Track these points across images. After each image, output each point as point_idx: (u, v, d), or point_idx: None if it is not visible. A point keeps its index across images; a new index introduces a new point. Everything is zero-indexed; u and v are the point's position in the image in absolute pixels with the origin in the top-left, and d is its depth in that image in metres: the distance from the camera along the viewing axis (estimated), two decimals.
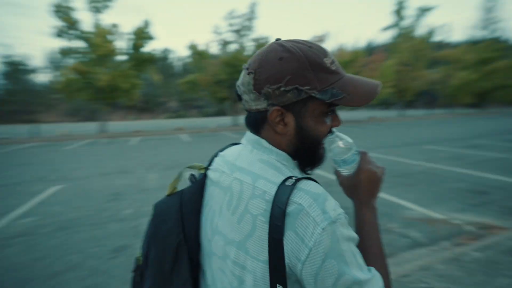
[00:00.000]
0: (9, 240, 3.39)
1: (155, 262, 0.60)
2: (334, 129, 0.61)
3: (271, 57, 0.53)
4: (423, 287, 2.31)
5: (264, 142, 0.58)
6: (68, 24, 17.04)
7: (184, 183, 0.69)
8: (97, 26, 17.81)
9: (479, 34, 44.15)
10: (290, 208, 0.47)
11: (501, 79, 32.79)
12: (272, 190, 0.50)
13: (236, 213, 0.53)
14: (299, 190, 0.48)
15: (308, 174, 0.62)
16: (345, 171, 0.62)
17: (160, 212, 0.64)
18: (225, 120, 30.68)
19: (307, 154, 0.59)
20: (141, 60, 19.06)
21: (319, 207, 0.47)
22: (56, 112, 45.89)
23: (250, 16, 21.66)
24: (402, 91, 29.83)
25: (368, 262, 0.52)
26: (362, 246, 0.53)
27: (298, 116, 0.55)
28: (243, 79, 0.57)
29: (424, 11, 30.03)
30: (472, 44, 38.30)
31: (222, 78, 20.67)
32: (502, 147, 9.30)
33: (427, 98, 39.91)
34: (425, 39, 29.99)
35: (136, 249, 3.12)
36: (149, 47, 19.60)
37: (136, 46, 18.73)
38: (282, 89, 0.52)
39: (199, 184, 0.65)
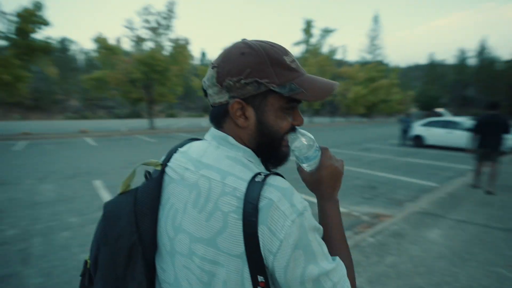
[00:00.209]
0: None
1: (105, 266, 0.57)
2: (297, 128, 0.63)
3: (234, 52, 0.56)
4: None
5: (231, 139, 0.59)
6: None
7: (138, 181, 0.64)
8: None
9: (367, 56, 53.64)
10: (262, 204, 0.48)
11: (383, 95, 40.45)
12: (243, 186, 0.50)
13: (204, 211, 0.52)
14: (269, 185, 0.50)
15: (273, 170, 0.62)
16: (308, 167, 0.64)
17: (111, 212, 0.60)
18: (141, 122, 28.35)
19: (268, 150, 0.60)
20: (30, 49, 15.76)
21: (288, 201, 0.49)
22: None
23: (168, 14, 20.69)
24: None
25: (332, 252, 0.55)
26: (326, 237, 0.57)
27: (258, 110, 0.57)
28: (208, 73, 0.59)
29: (327, 32, 34.58)
30: (363, 64, 46.08)
31: (137, 77, 19.04)
32: (386, 149, 11.40)
33: (330, 108, 45.60)
34: (329, 57, 34.46)
35: (24, 278, 2.56)
36: (41, 34, 16.47)
37: (23, 31, 15.40)
38: (242, 81, 0.54)
39: (156, 182, 0.61)
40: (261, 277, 0.49)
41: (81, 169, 7.16)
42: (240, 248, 0.49)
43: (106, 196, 4.93)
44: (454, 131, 10.74)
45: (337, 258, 0.54)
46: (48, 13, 18.33)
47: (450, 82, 54.86)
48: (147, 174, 0.64)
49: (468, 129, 5.71)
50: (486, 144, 5.18)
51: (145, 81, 19.74)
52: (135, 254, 0.56)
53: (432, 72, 67.85)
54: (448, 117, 13.93)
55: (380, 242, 3.20)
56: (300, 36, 43.87)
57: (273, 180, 0.51)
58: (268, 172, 0.54)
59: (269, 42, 0.59)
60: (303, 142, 0.61)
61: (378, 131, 22.52)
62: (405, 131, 12.61)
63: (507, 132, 5.09)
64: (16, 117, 42.01)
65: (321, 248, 0.51)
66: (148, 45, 20.96)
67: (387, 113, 47.60)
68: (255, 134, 0.58)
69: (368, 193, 5.26)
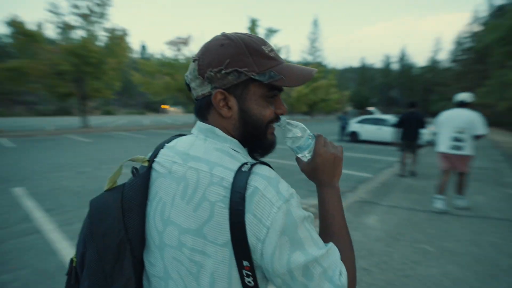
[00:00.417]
0: None
1: (93, 263, 0.56)
2: (284, 118, 0.63)
3: (213, 45, 0.58)
4: None
5: (217, 130, 0.59)
6: None
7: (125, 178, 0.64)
8: None
9: (308, 58, 56.85)
10: (248, 192, 0.49)
11: (323, 94, 43.37)
12: (230, 176, 0.51)
13: (192, 202, 0.52)
14: (255, 174, 0.51)
15: (260, 160, 0.62)
16: (304, 157, 0.64)
17: (98, 209, 0.59)
18: (71, 121, 25.34)
19: (253, 138, 0.61)
20: None
21: (274, 189, 0.50)
22: None
23: (102, 1, 18.79)
24: None
25: (330, 238, 0.56)
26: (324, 224, 0.59)
27: (240, 99, 0.58)
28: (190, 67, 0.60)
29: (271, 31, 35.45)
30: (305, 65, 48.56)
31: (65, 70, 16.87)
32: None
33: None
34: None
35: None
36: None
37: None
38: (223, 72, 0.55)
39: (143, 178, 0.61)
40: (246, 262, 0.50)
41: None
42: (226, 237, 0.49)
43: (30, 205, 4.27)
44: (382, 127, 12.08)
45: (330, 243, 0.54)
46: None
47: (378, 84, 61.42)
48: (134, 170, 0.64)
49: (393, 125, 6.54)
50: (407, 137, 6.18)
51: (76, 74, 17.65)
52: (123, 250, 0.56)
53: (363, 74, 75.21)
54: (378, 115, 15.59)
55: None
56: None
57: (259, 169, 0.52)
58: (254, 162, 0.54)
59: (247, 33, 0.59)
60: (293, 132, 0.62)
61: (319, 128, 24.10)
62: (343, 127, 13.73)
63: (423, 126, 6.16)
64: None
65: (310, 234, 0.51)
66: (79, 33, 18.77)
67: (326, 111, 51.26)
68: (239, 123, 0.59)
69: (313, 186, 5.57)
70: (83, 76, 18.07)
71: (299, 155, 0.65)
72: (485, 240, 3.24)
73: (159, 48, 63.68)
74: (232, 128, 0.60)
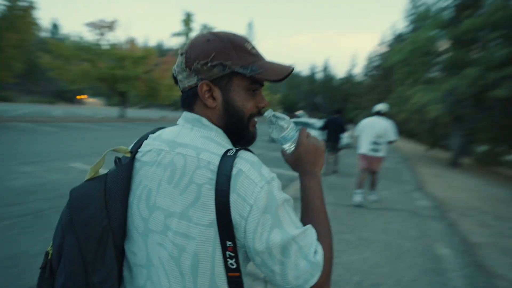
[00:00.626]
0: None
1: (72, 253, 0.56)
2: (270, 110, 0.68)
3: (200, 40, 0.61)
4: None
5: (204, 120, 0.62)
6: None
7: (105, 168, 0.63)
8: None
9: None
10: (233, 174, 0.52)
11: None
12: (216, 160, 0.54)
13: (180, 186, 0.54)
14: (240, 158, 0.55)
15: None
16: (288, 148, 0.69)
17: (79, 198, 0.59)
18: None
19: (236, 129, 0.64)
20: None
21: (257, 171, 0.54)
22: None
23: None
24: None
25: (310, 221, 0.60)
26: (304, 209, 0.63)
27: (224, 91, 0.61)
28: (177, 60, 0.63)
29: (207, 28, 34.89)
30: None
31: None
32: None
33: None
34: None
35: None
36: None
37: None
38: (208, 64, 0.59)
39: (126, 168, 0.61)
40: (230, 242, 0.52)
41: None
42: (211, 216, 0.52)
43: None
44: (309, 131, 13.14)
45: (308, 225, 0.58)
46: None
47: (305, 90, 66.59)
48: (117, 160, 0.63)
49: (319, 128, 7.23)
50: (330, 139, 6.93)
51: None
52: (105, 239, 0.56)
53: (292, 80, 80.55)
54: (305, 119, 16.89)
55: None
56: (179, 27, 42.32)
57: (243, 154, 0.56)
58: (239, 148, 0.58)
59: (231, 32, 0.64)
60: (279, 123, 0.67)
61: None
62: None
63: (343, 131, 7.04)
64: None
65: (289, 215, 0.55)
66: None
67: None
68: (222, 114, 0.62)
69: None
70: None
71: (284, 146, 0.70)
72: (392, 228, 3.84)
73: (75, 29, 55.30)
74: (217, 118, 0.63)
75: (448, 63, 10.22)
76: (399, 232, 3.72)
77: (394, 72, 13.26)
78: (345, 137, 8.42)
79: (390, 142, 4.63)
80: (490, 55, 8.94)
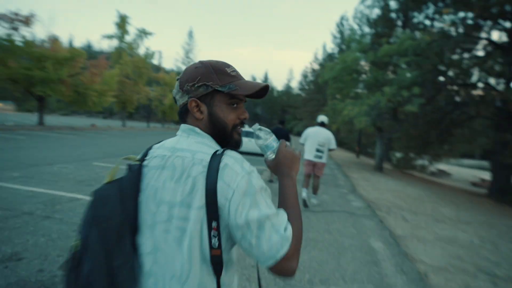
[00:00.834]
0: None
1: (96, 244, 0.65)
2: (256, 124, 0.86)
3: (190, 67, 0.78)
4: None
5: (197, 129, 0.77)
6: None
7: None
8: None
9: (183, 67, 56.50)
10: (220, 166, 0.67)
11: None
12: (207, 158, 0.69)
13: (179, 181, 0.68)
14: (226, 155, 0.69)
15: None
16: (270, 155, 0.85)
17: (100, 197, 0.70)
18: None
19: (221, 137, 0.78)
20: None
21: (239, 164, 0.68)
22: None
23: None
24: (124, 102, 30.72)
25: (286, 210, 0.73)
26: (281, 202, 0.76)
27: (209, 105, 0.76)
28: (176, 84, 0.79)
29: (144, 33, 33.18)
30: (178, 73, 47.80)
31: None
32: None
33: (145, 112, 43.87)
34: (145, 59, 33.06)
35: None
36: None
37: None
38: (195, 85, 0.74)
39: (137, 172, 0.74)
40: (215, 223, 0.65)
41: None
42: (202, 201, 0.65)
43: None
44: (252, 140, 13.49)
45: (281, 209, 0.72)
46: None
47: (246, 101, 68.30)
48: (129, 167, 0.76)
49: None
50: None
51: None
52: (123, 230, 0.68)
53: None
54: (248, 129, 17.29)
55: None
56: (112, 29, 39.33)
57: (229, 152, 0.71)
58: (226, 148, 0.73)
59: (216, 60, 0.79)
60: (263, 135, 0.85)
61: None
62: None
63: (288, 141, 7.37)
64: None
65: (265, 200, 0.67)
66: None
67: None
68: (209, 124, 0.77)
69: None
70: None
71: (267, 153, 0.86)
72: (333, 228, 4.20)
73: None
74: (204, 128, 0.77)
75: (370, 82, 11.78)
76: (340, 231, 4.10)
77: (327, 88, 14.63)
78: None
79: (331, 150, 5.11)
80: (402, 76, 10.65)
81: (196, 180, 0.66)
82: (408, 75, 10.57)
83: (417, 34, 12.69)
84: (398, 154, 16.38)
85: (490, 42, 11.51)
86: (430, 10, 14.67)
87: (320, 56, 47.88)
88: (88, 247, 0.66)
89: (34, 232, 3.15)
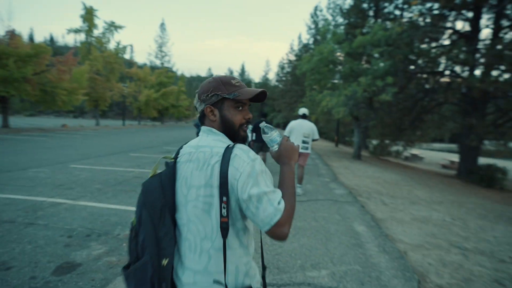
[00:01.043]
0: None
1: (147, 220, 0.93)
2: (263, 123, 1.08)
3: (205, 83, 1.01)
4: None
5: (213, 129, 0.99)
6: None
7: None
8: None
9: (156, 61, 54.69)
10: (232, 156, 0.88)
11: (173, 100, 42.92)
12: (222, 151, 0.91)
13: (203, 169, 0.91)
14: (236, 148, 0.91)
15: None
16: (274, 148, 1.05)
17: (146, 188, 0.96)
18: None
19: (231, 134, 0.99)
20: None
21: (246, 154, 0.90)
22: None
23: None
24: (96, 100, 29.41)
25: (282, 191, 0.92)
26: (280, 185, 0.96)
27: (220, 110, 0.98)
28: (195, 97, 1.02)
29: (114, 26, 31.63)
30: (152, 68, 46.37)
31: None
32: None
33: (119, 110, 42.27)
34: (116, 54, 31.61)
35: None
36: None
37: None
38: (209, 95, 0.97)
39: (172, 168, 0.97)
40: (225, 198, 0.86)
41: None
42: (218, 182, 0.87)
43: None
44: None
45: (278, 189, 0.92)
46: None
47: None
48: (166, 163, 1.00)
49: (251, 131, 7.62)
50: (258, 140, 7.40)
51: None
52: (164, 211, 0.92)
53: None
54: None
55: None
56: (78, 23, 37.10)
57: (239, 146, 0.93)
58: (236, 143, 0.95)
59: (225, 75, 1.02)
60: (269, 131, 1.06)
61: (173, 134, 23.75)
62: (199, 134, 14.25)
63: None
64: None
65: (265, 181, 0.88)
66: None
67: (176, 117, 50.96)
68: (221, 124, 0.99)
69: None
70: None
71: (271, 145, 1.06)
72: (319, 215, 4.39)
73: None
74: (218, 127, 0.99)
75: (346, 73, 12.12)
76: (325, 218, 4.30)
77: (305, 79, 14.86)
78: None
79: (314, 140, 5.29)
80: (375, 66, 11.04)
81: (214, 167, 0.88)
82: (382, 65, 10.98)
83: (388, 24, 13.16)
84: (375, 142, 17.08)
85: (455, 31, 12.19)
86: (400, 0, 15.25)
87: (296, 47, 48.16)
88: (141, 223, 0.94)
89: (18, 240, 3.05)
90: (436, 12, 12.06)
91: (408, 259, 3.11)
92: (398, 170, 11.52)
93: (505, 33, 10.84)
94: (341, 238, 3.55)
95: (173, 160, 0.99)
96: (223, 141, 0.95)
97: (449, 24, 12.23)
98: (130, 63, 41.56)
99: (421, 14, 12.55)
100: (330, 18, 20.24)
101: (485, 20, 11.41)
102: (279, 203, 0.85)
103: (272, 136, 1.05)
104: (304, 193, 5.60)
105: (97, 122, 30.78)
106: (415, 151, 19.75)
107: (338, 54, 12.74)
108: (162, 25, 55.29)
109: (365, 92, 10.99)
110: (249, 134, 7.65)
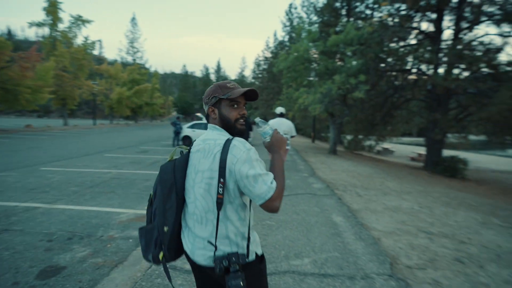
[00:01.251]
0: None
1: (159, 194, 1.19)
2: (258, 118, 1.32)
3: (208, 88, 1.24)
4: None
5: (217, 126, 1.22)
6: None
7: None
8: None
9: (127, 58, 52.52)
10: (231, 146, 1.10)
11: (147, 98, 41.57)
12: (223, 142, 1.13)
13: (207, 156, 1.14)
14: (234, 139, 1.14)
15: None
16: (266, 139, 1.26)
17: (163, 169, 1.21)
18: None
19: (229, 128, 1.21)
20: None
21: (242, 145, 1.11)
22: None
23: None
24: (64, 99, 27.87)
25: (274, 176, 1.12)
26: (271, 168, 1.17)
27: (219, 109, 1.21)
28: (203, 102, 1.26)
29: (81, 21, 29.98)
30: (124, 65, 44.52)
31: None
32: (162, 150, 12.09)
33: (89, 108, 40.33)
34: (85, 49, 30.03)
35: None
36: None
37: None
38: (210, 98, 1.21)
39: (185, 156, 1.22)
40: (222, 179, 1.08)
41: None
42: (217, 166, 1.10)
43: None
44: (195, 130, 13.55)
45: (270, 172, 1.13)
46: None
47: (199, 91, 66.48)
48: (181, 152, 1.27)
49: None
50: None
51: None
52: (172, 188, 1.17)
53: (186, 81, 78.76)
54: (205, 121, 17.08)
55: None
56: (41, 16, 34.71)
57: (237, 138, 1.15)
58: (234, 137, 1.18)
59: (224, 81, 1.24)
60: (262, 125, 1.27)
61: (148, 133, 23.12)
62: (177, 133, 13.99)
63: (251, 129, 8.04)
64: None
65: (259, 166, 1.09)
66: None
67: (151, 115, 49.44)
68: (220, 121, 1.22)
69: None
70: None
71: (264, 137, 1.26)
72: (299, 209, 4.59)
73: None
74: (219, 124, 1.22)
75: (321, 70, 12.49)
76: (305, 211, 4.50)
77: (282, 77, 15.08)
78: (251, 135, 9.34)
79: (292, 137, 5.48)
80: (348, 65, 11.49)
81: (216, 155, 1.11)
82: (354, 63, 11.44)
83: (360, 23, 13.70)
84: (349, 137, 17.77)
85: (421, 32, 12.96)
86: (370, 0, 15.90)
87: (272, 44, 48.44)
88: (156, 196, 1.22)
89: None
90: (403, 13, 12.73)
91: (381, 244, 3.37)
92: (371, 163, 12.11)
93: (465, 34, 11.71)
94: (320, 229, 3.75)
95: (187, 149, 1.25)
96: (224, 135, 1.18)
97: (415, 25, 12.97)
98: (100, 60, 39.68)
99: (390, 14, 13.18)
100: (304, 16, 20.64)
101: (447, 21, 12.24)
102: (271, 182, 1.07)
103: (265, 129, 1.26)
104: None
105: (65, 121, 29.18)
106: (386, 145, 20.78)
107: (313, 52, 13.06)
108: (133, 19, 53.05)
109: (340, 90, 11.40)
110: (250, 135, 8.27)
